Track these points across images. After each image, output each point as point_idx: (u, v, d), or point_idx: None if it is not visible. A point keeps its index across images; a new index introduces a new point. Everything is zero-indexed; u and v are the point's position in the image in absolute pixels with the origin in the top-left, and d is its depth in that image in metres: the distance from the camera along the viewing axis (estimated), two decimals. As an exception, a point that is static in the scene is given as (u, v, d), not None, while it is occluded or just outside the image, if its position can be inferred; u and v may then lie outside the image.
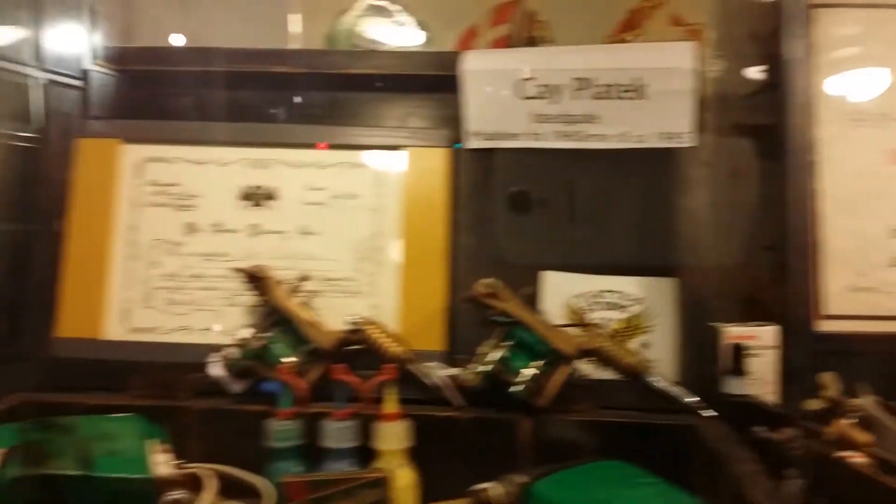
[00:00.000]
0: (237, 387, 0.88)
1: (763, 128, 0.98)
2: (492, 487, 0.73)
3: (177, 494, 0.70)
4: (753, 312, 0.94)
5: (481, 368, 0.82)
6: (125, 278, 0.94)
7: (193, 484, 0.73)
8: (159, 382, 0.88)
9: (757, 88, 0.98)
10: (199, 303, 0.93)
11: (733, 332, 0.86)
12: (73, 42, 1.00)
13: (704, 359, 0.87)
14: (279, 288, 0.87)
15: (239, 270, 0.88)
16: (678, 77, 0.85)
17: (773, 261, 0.98)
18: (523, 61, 0.88)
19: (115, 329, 0.93)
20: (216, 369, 0.88)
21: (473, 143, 0.91)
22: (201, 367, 0.89)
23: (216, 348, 0.89)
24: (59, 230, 0.94)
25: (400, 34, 1.05)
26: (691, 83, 0.86)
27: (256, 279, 0.86)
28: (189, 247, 0.95)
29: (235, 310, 0.93)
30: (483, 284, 0.84)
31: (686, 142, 0.87)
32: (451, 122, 0.94)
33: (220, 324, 0.93)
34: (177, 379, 0.89)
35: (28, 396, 0.87)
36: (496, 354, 0.83)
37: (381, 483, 0.74)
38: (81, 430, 0.76)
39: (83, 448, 0.73)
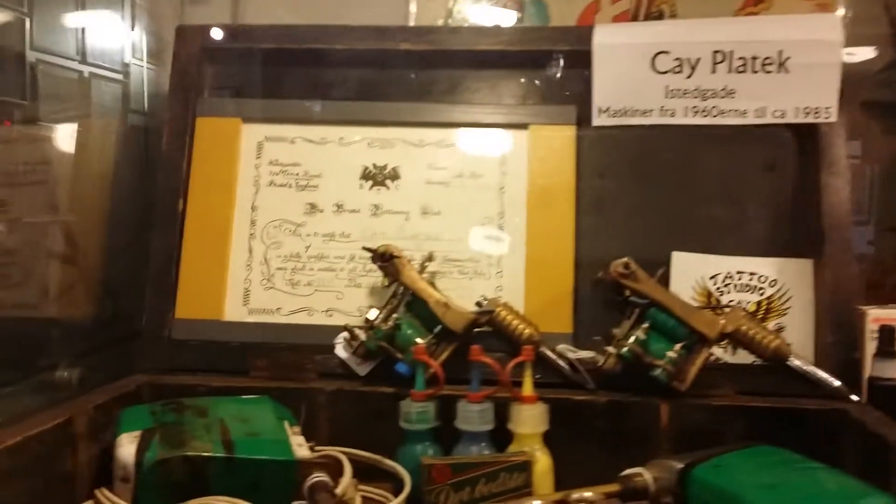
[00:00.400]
0: (363, 369, 0.86)
1: (893, 105, 0.95)
2: (643, 472, 0.71)
3: (319, 477, 0.69)
4: (873, 295, 0.91)
5: (623, 351, 0.80)
6: (245, 259, 0.93)
7: (331, 467, 0.72)
8: (283, 364, 0.88)
9: (888, 65, 0.95)
10: (320, 283, 0.92)
11: (878, 315, 0.83)
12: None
13: (843, 342, 0.84)
14: (409, 268, 0.85)
15: (368, 250, 0.86)
16: (824, 50, 0.82)
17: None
18: (658, 34, 0.85)
19: (235, 310, 0.92)
20: (342, 351, 0.87)
21: (601, 120, 0.88)
22: (325, 348, 0.88)
23: (341, 329, 0.87)
24: (180, 211, 0.93)
25: (517, 11, 1.03)
26: (838, 56, 0.82)
27: (386, 259, 0.85)
28: (310, 227, 0.94)
29: (358, 291, 0.91)
30: (619, 264, 0.82)
31: (828, 117, 0.84)
32: (577, 99, 0.92)
33: (343, 305, 0.91)
34: (301, 361, 0.88)
35: (151, 378, 0.87)
36: (633, 337, 0.81)
37: (525, 467, 0.72)
38: (215, 412, 0.75)
39: (223, 430, 0.72)
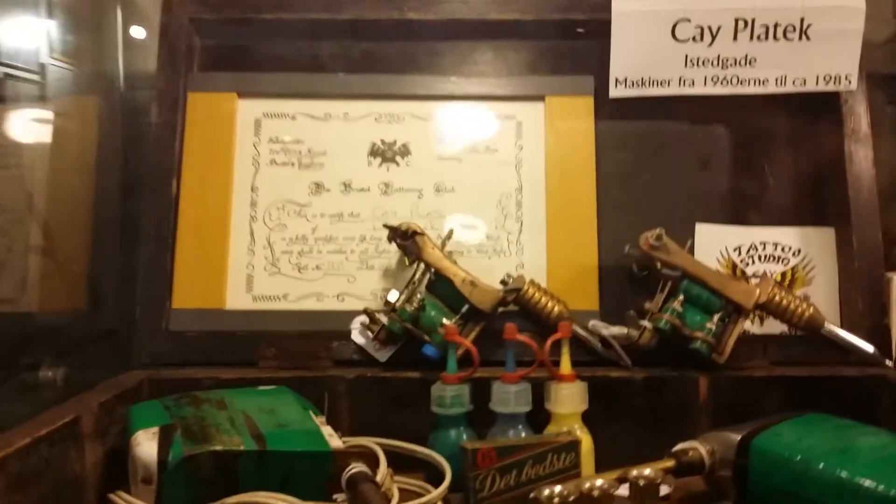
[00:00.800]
0: (383, 354, 0.82)
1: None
2: (697, 446, 0.69)
3: (358, 467, 0.65)
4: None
5: (661, 324, 0.77)
6: (247, 243, 0.87)
7: (367, 456, 0.67)
8: (295, 353, 0.82)
9: (892, 36, 0.95)
10: (330, 267, 0.87)
11: (903, 282, 0.83)
12: None
13: (872, 309, 0.84)
14: (432, 246, 0.81)
15: (388, 228, 0.81)
16: (845, 16, 0.81)
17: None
18: (679, 1, 0.83)
19: (237, 298, 0.86)
20: (359, 336, 0.82)
21: (618, 92, 0.86)
22: (338, 335, 0.83)
23: (354, 315, 0.83)
24: (173, 193, 0.86)
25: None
26: (859, 23, 0.82)
27: (408, 237, 0.80)
28: (316, 207, 0.88)
29: (371, 273, 0.87)
30: (651, 236, 0.80)
31: (849, 85, 0.83)
32: (593, 70, 0.89)
33: (355, 289, 0.86)
34: (314, 349, 0.83)
35: (151, 373, 0.80)
36: (670, 309, 0.78)
37: (573, 447, 0.69)
38: (235, 404, 0.70)
39: (248, 422, 0.67)
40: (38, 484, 0.59)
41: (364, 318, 0.81)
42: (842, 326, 0.83)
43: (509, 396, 0.73)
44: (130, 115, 0.95)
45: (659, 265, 0.80)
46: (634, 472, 0.64)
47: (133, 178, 0.91)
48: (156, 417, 0.66)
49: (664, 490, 0.66)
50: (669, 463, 0.68)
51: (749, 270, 0.87)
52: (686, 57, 0.84)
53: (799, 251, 0.87)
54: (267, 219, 0.88)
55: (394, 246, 0.85)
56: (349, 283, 0.87)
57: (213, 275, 0.86)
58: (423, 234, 0.80)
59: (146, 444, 0.63)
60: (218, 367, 0.81)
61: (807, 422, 0.69)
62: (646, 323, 0.78)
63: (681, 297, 0.79)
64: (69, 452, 0.64)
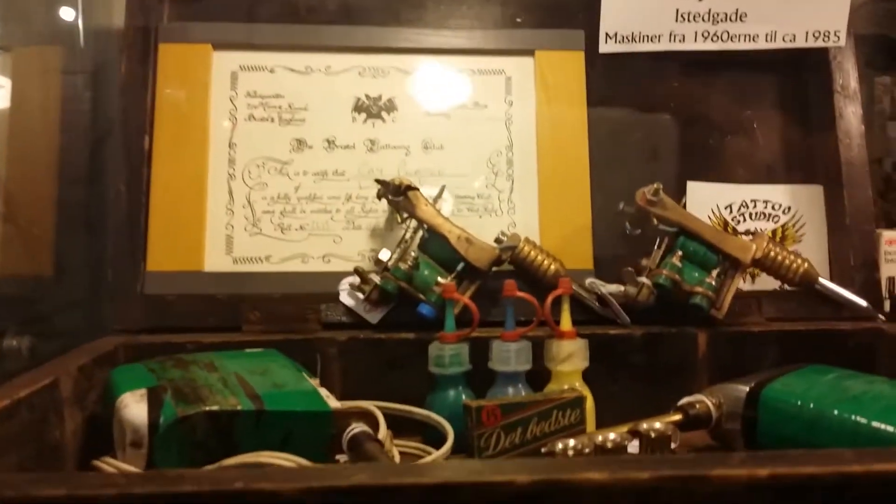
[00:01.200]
0: (374, 316, 0.78)
1: (872, 38, 0.96)
2: (704, 399, 0.68)
3: (360, 427, 0.62)
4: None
5: (660, 279, 0.76)
6: (225, 202, 0.83)
7: (367, 417, 0.64)
8: (281, 316, 0.78)
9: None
10: (314, 227, 0.83)
11: (890, 237, 0.84)
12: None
13: (862, 264, 0.84)
14: (426, 202, 0.78)
15: (380, 183, 0.78)
16: (836, -31, 0.82)
17: (879, 175, 0.97)
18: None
19: (217, 260, 0.82)
20: (347, 298, 0.79)
21: (609, 47, 0.84)
22: (324, 297, 0.79)
23: (341, 276, 0.79)
24: (146, 149, 0.82)
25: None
26: (849, -24, 0.82)
27: (401, 192, 0.77)
28: (298, 165, 0.84)
29: (358, 233, 0.83)
30: (648, 191, 0.78)
31: (837, 41, 0.83)
32: (584, 24, 0.87)
33: (341, 250, 0.83)
34: (301, 311, 0.79)
35: (127, 339, 0.76)
36: (668, 265, 0.77)
37: (579, 403, 0.67)
38: (225, 366, 0.66)
39: (242, 383, 0.63)
40: (20, 450, 0.55)
41: (353, 279, 0.78)
42: (832, 282, 0.84)
43: (510, 355, 0.71)
44: (98, 70, 0.89)
45: (655, 221, 0.79)
46: (645, 426, 0.62)
47: (102, 136, 0.85)
48: (141, 380, 0.62)
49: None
50: (677, 416, 0.67)
51: (740, 228, 0.86)
52: (677, 12, 0.83)
53: (789, 209, 0.87)
54: (246, 177, 0.84)
55: (381, 205, 0.82)
56: (335, 243, 0.83)
57: (189, 236, 0.81)
58: (416, 189, 0.77)
59: (134, 407, 0.59)
60: (198, 332, 0.77)
61: (811, 372, 0.68)
62: (644, 280, 0.77)
63: (679, 253, 0.78)
64: (49, 417, 0.59)
